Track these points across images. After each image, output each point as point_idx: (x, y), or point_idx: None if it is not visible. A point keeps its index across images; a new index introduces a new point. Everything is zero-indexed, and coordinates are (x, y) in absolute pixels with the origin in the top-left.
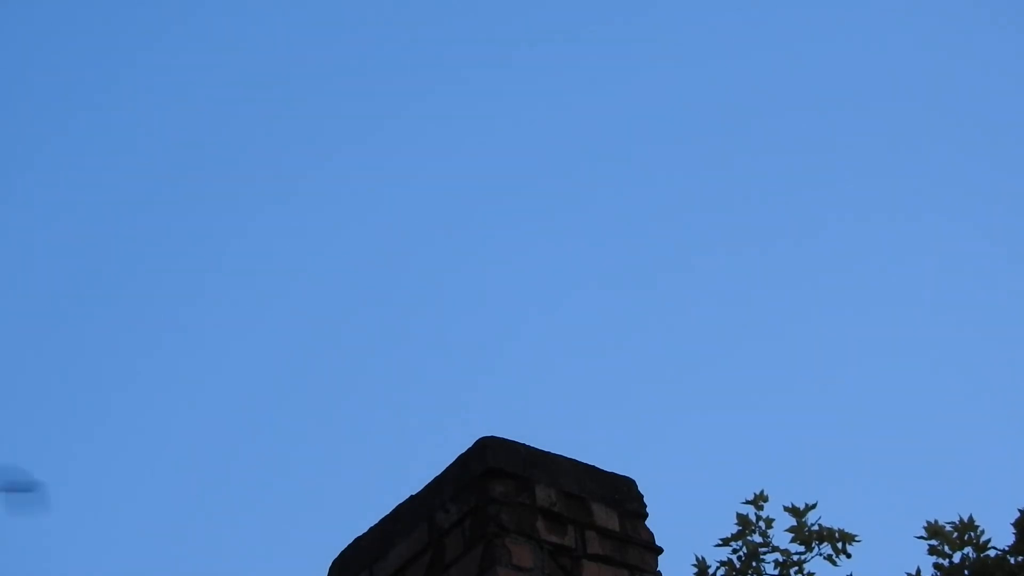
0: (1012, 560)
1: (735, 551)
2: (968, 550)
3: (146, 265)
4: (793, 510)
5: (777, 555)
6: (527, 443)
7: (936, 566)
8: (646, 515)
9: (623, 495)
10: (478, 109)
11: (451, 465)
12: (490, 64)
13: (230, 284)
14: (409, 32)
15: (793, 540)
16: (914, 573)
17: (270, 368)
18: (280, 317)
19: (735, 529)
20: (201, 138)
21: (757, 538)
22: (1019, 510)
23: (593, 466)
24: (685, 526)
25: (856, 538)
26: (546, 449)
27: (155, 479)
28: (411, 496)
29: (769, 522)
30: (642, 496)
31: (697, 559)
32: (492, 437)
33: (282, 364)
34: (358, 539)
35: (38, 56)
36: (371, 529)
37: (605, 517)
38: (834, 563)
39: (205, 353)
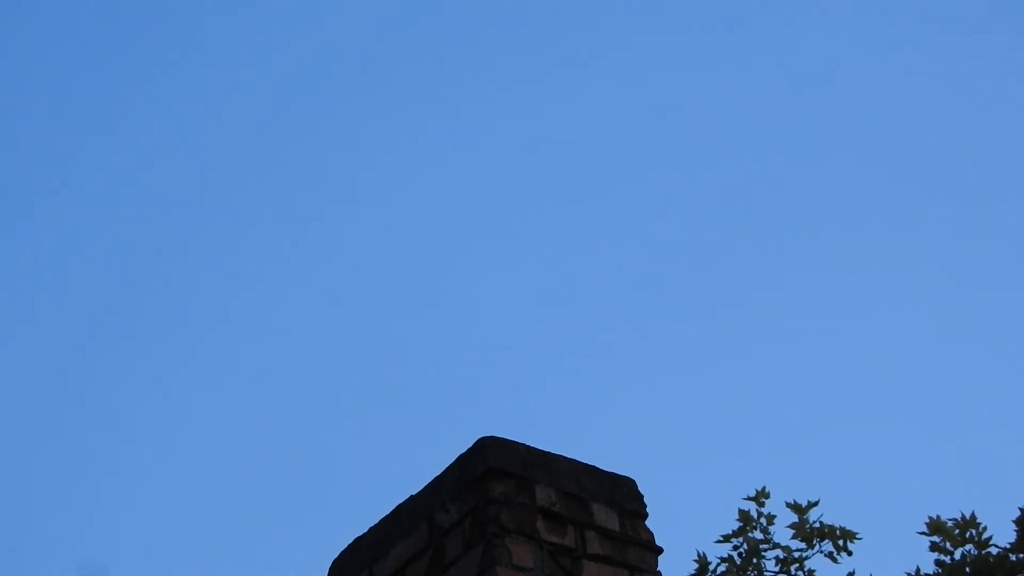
0: (1013, 558)
1: (736, 547)
2: (969, 547)
3: (167, 277)
4: (795, 507)
5: (778, 552)
6: (527, 443)
7: (937, 563)
8: (646, 515)
9: (623, 495)
10: (498, 124)
11: (451, 465)
12: (525, 80)
13: (235, 297)
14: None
15: (794, 537)
16: (915, 571)
17: (274, 370)
18: (285, 322)
19: (736, 525)
20: (230, 150)
21: (758, 535)
22: (1020, 508)
23: (593, 466)
24: (686, 522)
25: (857, 535)
26: (546, 449)
27: (158, 480)
28: (411, 496)
29: (771, 519)
30: (642, 496)
31: (698, 555)
32: (492, 437)
33: (286, 367)
34: (358, 539)
35: (73, 62)
36: (371, 529)
37: (605, 517)
38: (835, 560)
39: (213, 358)
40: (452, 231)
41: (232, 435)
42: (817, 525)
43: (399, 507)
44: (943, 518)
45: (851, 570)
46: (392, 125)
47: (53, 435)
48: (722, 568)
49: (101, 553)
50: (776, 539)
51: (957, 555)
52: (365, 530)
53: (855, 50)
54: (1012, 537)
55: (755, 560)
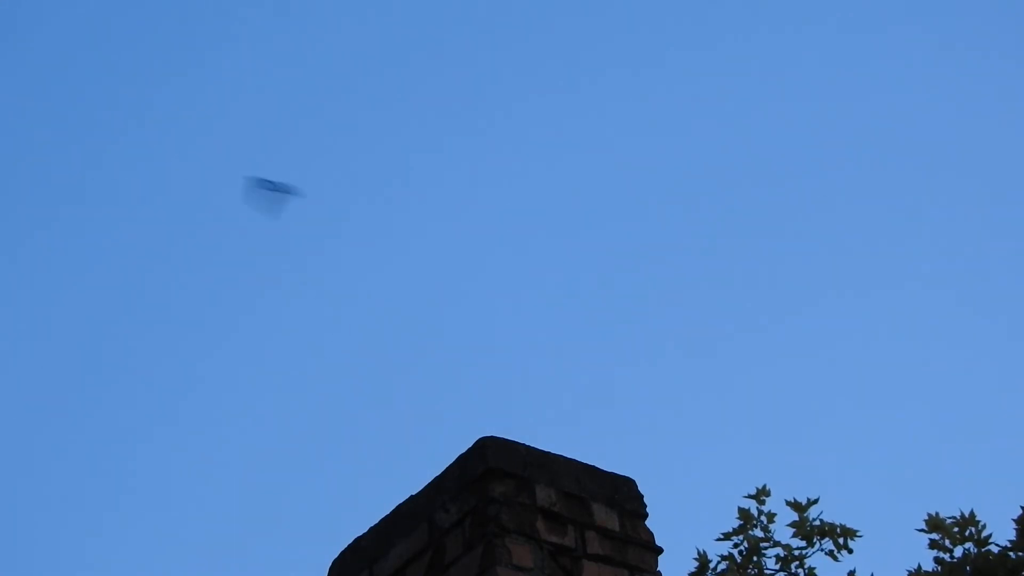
0: (1013, 556)
1: (736, 545)
2: (969, 545)
3: (176, 284)
4: (795, 505)
5: (778, 550)
6: (527, 443)
7: (937, 560)
8: (646, 515)
9: (623, 495)
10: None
11: (451, 465)
12: (543, 91)
13: (239, 300)
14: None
15: (795, 535)
16: (915, 569)
17: (277, 372)
18: (287, 325)
19: (737, 523)
20: (240, 154)
21: (759, 533)
22: (1021, 507)
23: (593, 466)
24: (686, 521)
25: (857, 533)
26: (546, 449)
27: (162, 481)
28: (411, 496)
29: (771, 517)
30: (642, 496)
31: (699, 553)
32: (492, 437)
33: (289, 369)
34: (358, 539)
35: (84, 66)
36: (371, 529)
37: (605, 517)
38: (835, 558)
39: (215, 360)
40: (454, 235)
41: (233, 436)
42: (817, 523)
43: (399, 507)
44: (942, 516)
45: (852, 568)
46: (395, 132)
47: (63, 437)
48: (723, 566)
49: (109, 547)
50: (776, 537)
51: (957, 553)
52: (365, 530)
53: (859, 63)
54: (1012, 535)
55: (755, 558)
